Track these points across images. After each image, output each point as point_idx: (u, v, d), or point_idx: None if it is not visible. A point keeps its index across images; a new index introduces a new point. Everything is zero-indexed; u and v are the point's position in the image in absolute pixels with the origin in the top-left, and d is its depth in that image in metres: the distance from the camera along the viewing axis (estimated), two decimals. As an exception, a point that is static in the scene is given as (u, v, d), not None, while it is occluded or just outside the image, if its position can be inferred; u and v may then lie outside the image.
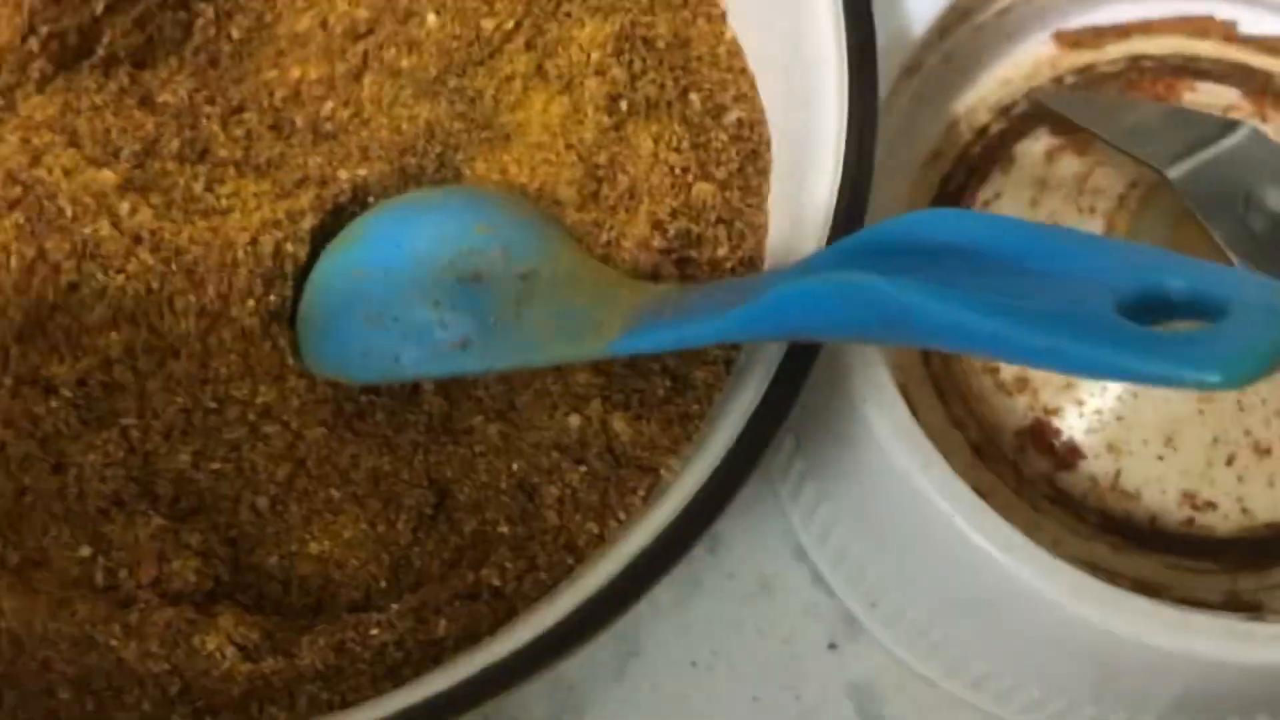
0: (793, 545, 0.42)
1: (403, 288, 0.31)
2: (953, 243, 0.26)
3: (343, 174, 0.34)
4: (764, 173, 0.34)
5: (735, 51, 0.35)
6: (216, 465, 0.31)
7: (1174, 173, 0.35)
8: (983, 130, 0.40)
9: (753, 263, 0.33)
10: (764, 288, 0.27)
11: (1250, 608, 0.36)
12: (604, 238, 0.33)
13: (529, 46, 0.33)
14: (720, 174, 0.34)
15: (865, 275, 0.25)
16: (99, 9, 0.34)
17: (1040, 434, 0.37)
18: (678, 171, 0.33)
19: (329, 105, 0.34)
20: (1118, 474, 0.36)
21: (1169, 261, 0.24)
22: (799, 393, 0.29)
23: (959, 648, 0.37)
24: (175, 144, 0.33)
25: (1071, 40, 0.41)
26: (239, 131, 0.34)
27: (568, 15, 0.34)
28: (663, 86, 0.34)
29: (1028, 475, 0.36)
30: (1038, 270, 0.25)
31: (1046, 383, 0.37)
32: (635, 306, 0.30)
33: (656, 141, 0.33)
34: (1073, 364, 0.22)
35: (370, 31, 0.34)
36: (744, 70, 0.35)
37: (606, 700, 0.41)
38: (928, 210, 0.26)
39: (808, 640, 0.41)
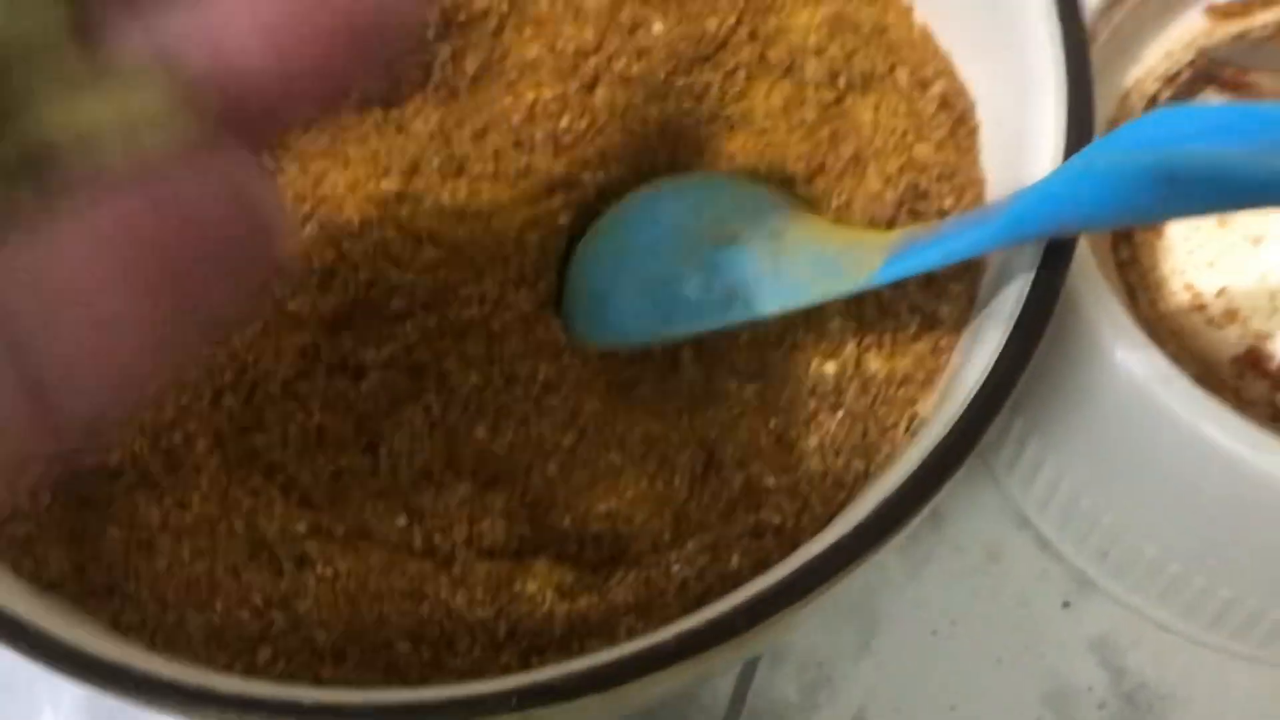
0: (1013, 514, 0.44)
1: (667, 256, 0.34)
2: (1197, 132, 0.28)
3: (586, 177, 0.37)
4: (973, 134, 0.37)
5: (928, 35, 0.38)
6: (510, 437, 0.34)
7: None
8: (1154, 99, 0.42)
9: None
10: (1043, 184, 0.29)
11: None
12: (835, 203, 0.36)
13: (752, 38, 0.37)
14: (935, 136, 0.36)
15: (1169, 148, 0.27)
16: (353, 54, 0.37)
17: (1255, 359, 0.38)
18: (899, 135, 0.36)
19: (566, 119, 0.37)
20: (1337, 388, 0.38)
21: None
22: (1055, 305, 0.31)
23: (1200, 578, 0.39)
24: (435, 161, 0.37)
25: (1223, 12, 0.43)
26: (488, 149, 0.37)
27: (783, 6, 0.37)
28: (874, 63, 0.37)
29: (1249, 398, 0.38)
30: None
31: (1255, 310, 0.39)
32: (889, 243, 0.32)
33: (876, 110, 0.36)
34: None
35: (599, 48, 0.37)
36: (938, 51, 0.38)
37: (855, 674, 0.42)
38: (1160, 110, 0.29)
39: (1042, 602, 0.43)
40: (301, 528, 0.32)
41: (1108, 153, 0.28)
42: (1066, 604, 0.43)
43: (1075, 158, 0.30)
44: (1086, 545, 0.41)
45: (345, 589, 0.32)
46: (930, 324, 0.34)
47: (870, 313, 0.35)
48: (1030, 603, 0.43)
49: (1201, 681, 0.41)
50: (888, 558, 0.44)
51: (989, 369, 0.31)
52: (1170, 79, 0.43)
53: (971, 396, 0.31)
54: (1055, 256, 0.31)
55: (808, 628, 0.43)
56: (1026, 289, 0.31)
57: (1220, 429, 0.34)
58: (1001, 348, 0.31)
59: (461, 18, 0.39)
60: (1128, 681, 0.42)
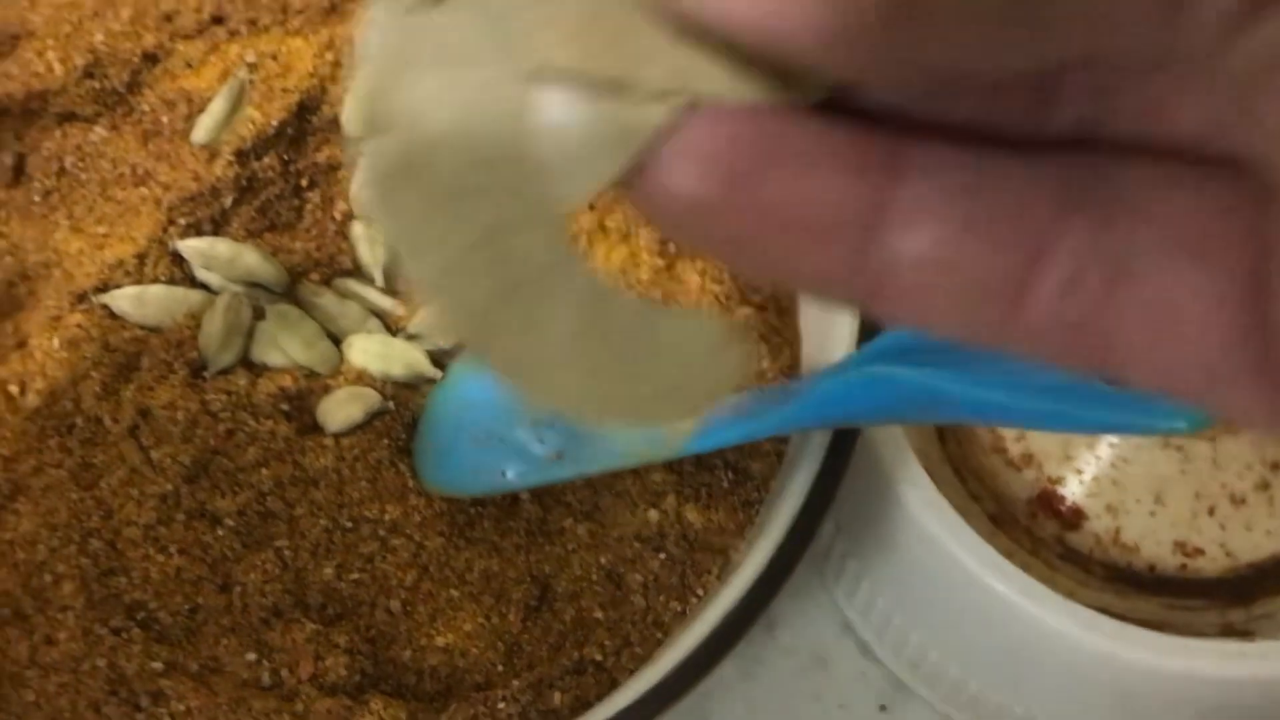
0: (840, 621, 0.47)
1: (504, 413, 0.37)
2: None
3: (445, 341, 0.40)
4: (793, 295, 0.40)
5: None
6: (355, 575, 0.37)
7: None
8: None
9: (792, 370, 0.39)
10: (811, 386, 0.33)
11: (1242, 636, 0.41)
12: (664, 358, 0.39)
13: (590, 207, 0.40)
14: (756, 299, 0.40)
15: (896, 368, 0.31)
16: (228, 203, 0.40)
17: (1048, 501, 0.42)
18: (722, 299, 0.39)
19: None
20: (1118, 530, 0.42)
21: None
22: (843, 476, 0.35)
23: (996, 697, 0.42)
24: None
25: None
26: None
27: (620, 179, 0.40)
28: (703, 230, 0.40)
29: (1040, 537, 0.42)
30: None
31: (1049, 457, 0.43)
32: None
33: (702, 275, 0.40)
34: (1074, 424, 0.28)
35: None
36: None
37: (688, 772, 0.46)
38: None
39: (861, 705, 0.47)
40: (158, 665, 0.35)
41: (876, 359, 0.32)
42: (883, 707, 0.46)
43: (853, 356, 0.33)
44: (900, 656, 0.45)
45: (195, 726, 0.35)
46: (742, 479, 0.38)
47: (689, 466, 0.38)
48: (851, 706, 0.46)
49: (1003, 783, 0.45)
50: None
51: (784, 534, 0.35)
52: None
53: (771, 554, 0.35)
54: (842, 437, 0.35)
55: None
56: (819, 463, 0.35)
57: (1000, 578, 0.38)
58: (794, 519, 0.35)
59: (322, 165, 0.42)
60: (936, 781, 0.46)
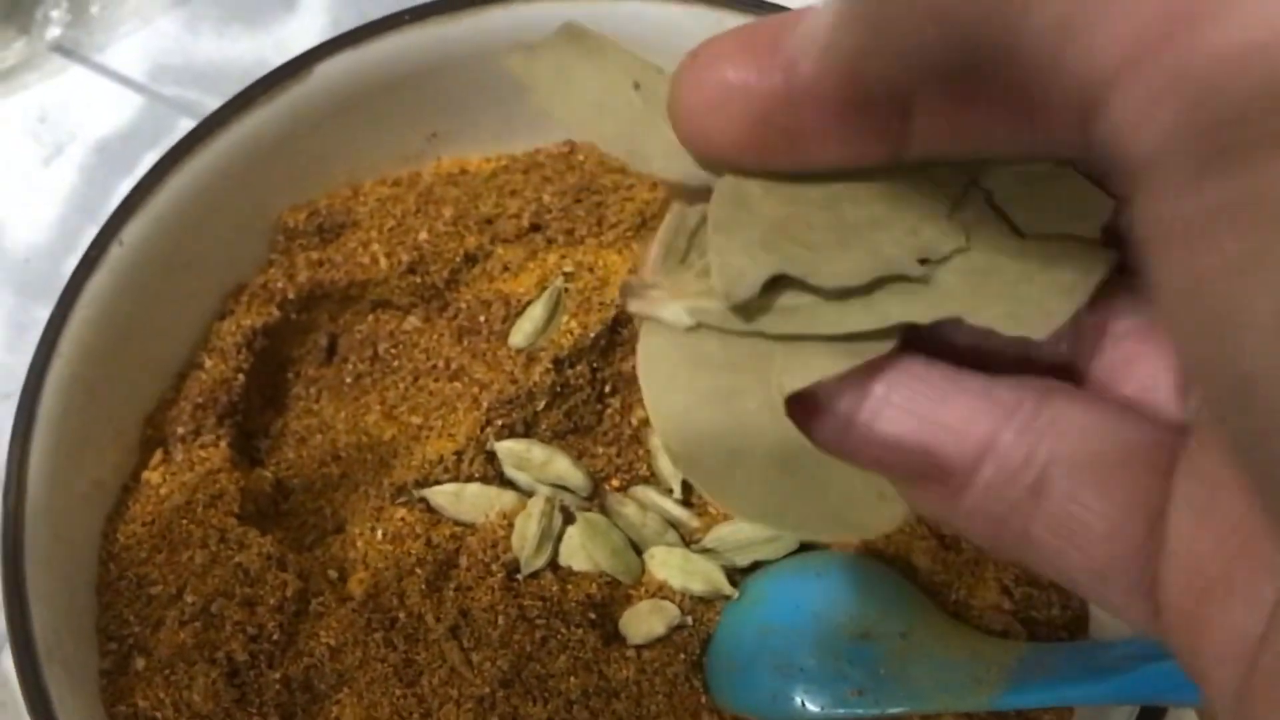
0: None
1: (806, 643, 0.38)
2: None
3: (739, 558, 0.41)
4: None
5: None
6: (647, 787, 0.38)
7: None
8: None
9: (1079, 622, 0.40)
10: (1133, 664, 0.34)
11: None
12: (953, 596, 0.40)
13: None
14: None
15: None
16: (540, 406, 0.42)
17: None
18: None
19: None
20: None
21: None
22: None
23: None
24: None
25: None
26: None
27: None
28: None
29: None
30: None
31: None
32: (1006, 665, 0.37)
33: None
34: None
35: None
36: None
37: None
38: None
39: None
40: None
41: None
42: None
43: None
44: None
45: None
46: (1032, 728, 0.39)
47: (981, 711, 0.39)
48: None
49: None
50: None
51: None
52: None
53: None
54: (1150, 714, 0.36)
55: None
56: (1129, 727, 0.36)
57: None
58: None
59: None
60: None
